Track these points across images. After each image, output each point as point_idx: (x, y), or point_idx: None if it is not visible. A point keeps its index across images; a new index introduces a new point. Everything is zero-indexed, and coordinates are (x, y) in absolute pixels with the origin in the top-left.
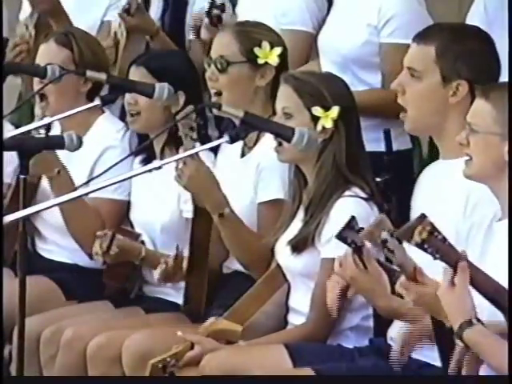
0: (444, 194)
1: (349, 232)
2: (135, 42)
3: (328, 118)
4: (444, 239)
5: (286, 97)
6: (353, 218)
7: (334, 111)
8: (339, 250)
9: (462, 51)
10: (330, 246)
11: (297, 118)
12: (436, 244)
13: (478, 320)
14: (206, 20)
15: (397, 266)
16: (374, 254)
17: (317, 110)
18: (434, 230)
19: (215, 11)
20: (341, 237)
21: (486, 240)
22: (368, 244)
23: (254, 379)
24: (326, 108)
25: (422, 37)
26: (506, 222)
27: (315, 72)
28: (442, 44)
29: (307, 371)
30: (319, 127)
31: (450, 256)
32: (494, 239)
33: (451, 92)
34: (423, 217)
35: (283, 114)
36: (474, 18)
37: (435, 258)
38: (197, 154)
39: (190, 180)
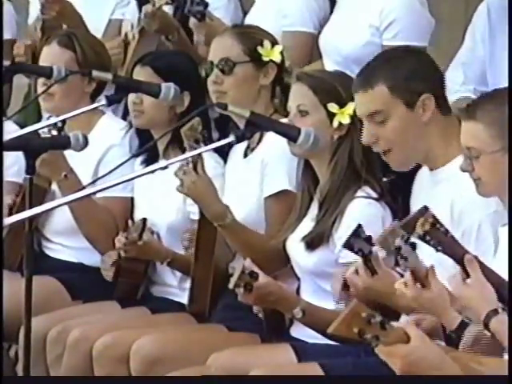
0: (432, 203)
1: (356, 240)
2: (146, 45)
3: (345, 114)
4: (446, 231)
5: (300, 94)
6: (359, 226)
7: (351, 107)
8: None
9: (409, 72)
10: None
11: (313, 115)
12: (438, 236)
13: (503, 308)
14: (192, 20)
15: (410, 271)
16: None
17: (333, 107)
18: (436, 221)
19: (196, 8)
20: (348, 245)
21: (478, 244)
22: (374, 249)
23: (258, 379)
24: (342, 104)
25: (366, 83)
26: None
27: (326, 70)
28: (390, 77)
29: (313, 366)
30: (335, 123)
31: (452, 248)
32: (500, 243)
33: (421, 111)
34: (425, 209)
35: (298, 112)
36: (478, 21)
37: (437, 251)
38: (202, 158)
39: (188, 191)
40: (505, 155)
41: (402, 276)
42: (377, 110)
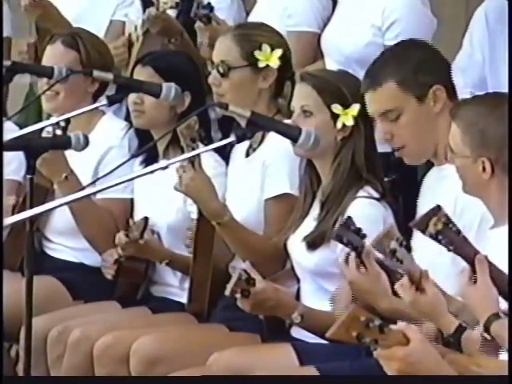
0: (437, 198)
1: (345, 232)
2: (150, 47)
3: (348, 116)
4: (458, 231)
5: (304, 95)
6: (349, 218)
7: (355, 109)
8: None
9: (416, 64)
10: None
11: (317, 115)
12: (450, 236)
13: (505, 313)
14: (197, 22)
15: (406, 274)
16: (374, 255)
17: (336, 108)
18: (449, 221)
19: (202, 11)
20: (337, 237)
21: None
22: (367, 244)
23: (259, 379)
24: (346, 105)
25: (374, 82)
26: (499, 229)
27: (330, 70)
28: (398, 72)
29: (311, 370)
30: (339, 125)
31: (463, 248)
32: (488, 246)
33: (432, 103)
34: (438, 208)
35: (302, 112)
36: (475, 26)
37: (449, 250)
38: (199, 156)
39: (187, 188)
40: (474, 164)
41: (389, 278)
42: (389, 109)
